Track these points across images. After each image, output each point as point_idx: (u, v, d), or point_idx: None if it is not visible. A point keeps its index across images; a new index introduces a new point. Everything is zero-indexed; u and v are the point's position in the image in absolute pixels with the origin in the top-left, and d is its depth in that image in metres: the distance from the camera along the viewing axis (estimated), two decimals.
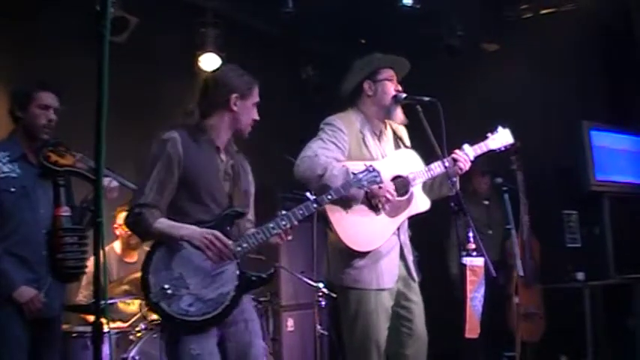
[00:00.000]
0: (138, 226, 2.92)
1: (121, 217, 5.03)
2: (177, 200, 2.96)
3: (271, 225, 2.97)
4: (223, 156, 3.10)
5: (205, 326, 2.88)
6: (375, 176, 3.27)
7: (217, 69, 3.38)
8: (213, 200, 2.99)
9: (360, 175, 3.25)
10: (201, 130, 3.04)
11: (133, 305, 4.92)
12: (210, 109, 3.07)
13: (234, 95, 3.04)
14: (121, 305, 4.87)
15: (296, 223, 3.01)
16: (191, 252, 2.87)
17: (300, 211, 3.02)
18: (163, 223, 2.87)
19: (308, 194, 3.11)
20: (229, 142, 3.14)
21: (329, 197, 3.15)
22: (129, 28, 5.27)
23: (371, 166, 3.29)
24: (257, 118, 3.13)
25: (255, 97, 3.12)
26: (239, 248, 2.93)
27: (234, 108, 3.05)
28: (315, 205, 3.07)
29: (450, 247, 6.02)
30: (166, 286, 2.82)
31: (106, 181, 3.58)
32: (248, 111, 3.09)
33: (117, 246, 5.14)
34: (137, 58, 5.37)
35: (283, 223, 2.98)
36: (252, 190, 3.22)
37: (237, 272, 2.95)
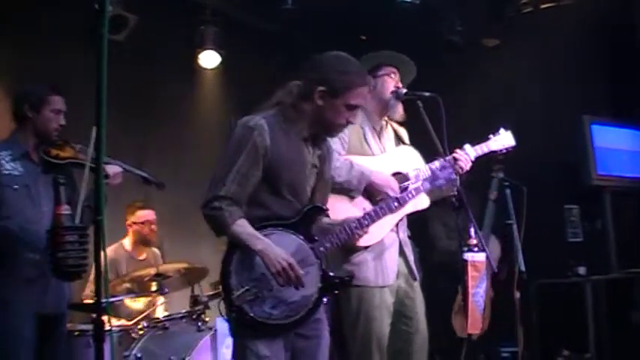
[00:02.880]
0: (214, 222, 2.72)
1: (139, 214, 5.04)
2: (257, 192, 2.77)
3: (354, 224, 2.89)
4: (311, 147, 2.89)
5: (287, 329, 2.75)
6: (451, 173, 3.27)
7: (330, 53, 2.92)
8: (295, 195, 2.82)
9: (438, 173, 3.25)
10: (291, 118, 2.81)
11: (138, 302, 4.92)
12: (303, 93, 2.81)
13: (320, 88, 2.75)
14: (126, 302, 4.88)
15: (376, 221, 2.96)
16: None
17: (382, 210, 2.97)
18: (242, 227, 2.68)
19: (389, 192, 3.03)
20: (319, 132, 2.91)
21: (409, 196, 3.12)
22: (128, 27, 5.26)
23: (448, 161, 3.27)
24: (352, 121, 2.84)
25: (353, 98, 2.77)
26: (322, 248, 2.83)
27: (319, 102, 2.77)
28: (396, 204, 3.01)
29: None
30: (249, 288, 2.68)
31: (108, 167, 3.57)
32: (337, 112, 2.77)
33: (127, 242, 5.14)
34: (137, 56, 5.38)
35: (365, 222, 2.91)
36: (331, 178, 3.04)
37: (321, 274, 2.82)
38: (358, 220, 2.90)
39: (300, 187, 2.85)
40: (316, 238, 2.85)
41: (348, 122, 2.85)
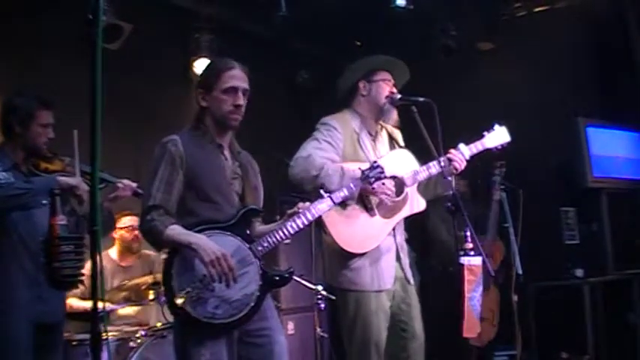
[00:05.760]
0: (149, 234, 2.85)
1: (124, 220, 5.03)
2: (185, 201, 2.90)
3: (289, 224, 2.98)
4: (227, 154, 3.05)
5: (231, 328, 2.84)
6: (381, 172, 3.28)
7: None
8: (223, 198, 2.95)
9: (367, 172, 3.26)
10: (200, 131, 3.00)
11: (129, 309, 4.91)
12: (198, 107, 3.04)
13: (198, 91, 3.01)
14: (121, 312, 4.87)
15: (311, 220, 3.03)
16: None
17: (315, 208, 3.04)
18: (174, 230, 2.80)
19: (322, 192, 3.13)
20: (231, 140, 3.09)
21: (342, 194, 3.17)
22: (123, 36, 5.26)
23: (375, 162, 3.32)
24: (238, 103, 2.95)
25: (224, 83, 2.95)
26: (260, 247, 2.93)
27: (204, 104, 2.99)
28: (329, 203, 3.09)
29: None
30: (190, 289, 2.75)
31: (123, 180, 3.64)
32: (219, 101, 2.96)
33: (112, 252, 5.12)
34: (131, 65, 5.37)
35: (300, 220, 2.99)
36: (261, 189, 3.17)
37: (260, 272, 2.92)
38: (293, 219, 2.99)
39: (225, 191, 2.97)
40: (254, 238, 2.95)
41: (236, 106, 2.95)
